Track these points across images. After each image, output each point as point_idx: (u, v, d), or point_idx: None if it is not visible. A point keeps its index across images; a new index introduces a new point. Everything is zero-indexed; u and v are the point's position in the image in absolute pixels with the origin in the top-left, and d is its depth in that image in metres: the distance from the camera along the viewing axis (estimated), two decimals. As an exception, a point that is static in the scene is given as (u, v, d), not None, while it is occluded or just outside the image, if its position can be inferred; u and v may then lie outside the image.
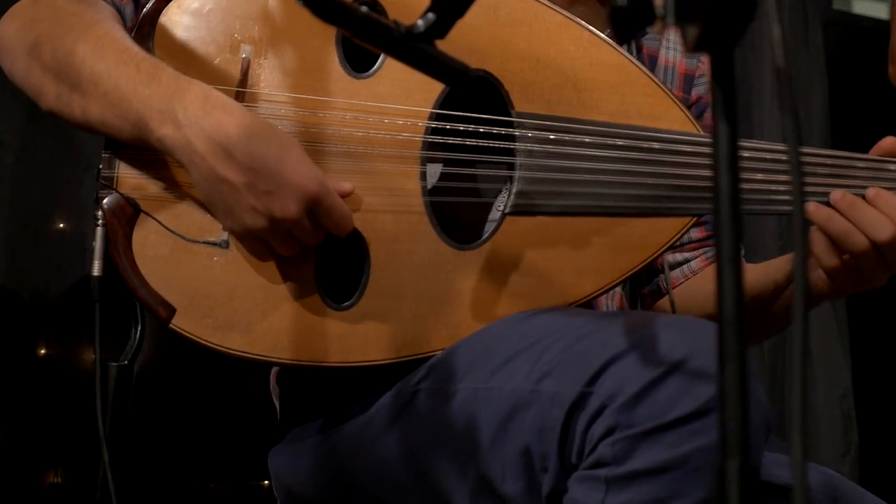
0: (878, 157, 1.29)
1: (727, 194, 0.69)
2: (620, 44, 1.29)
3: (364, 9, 0.92)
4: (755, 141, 1.28)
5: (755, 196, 1.26)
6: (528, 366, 1.12)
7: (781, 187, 1.26)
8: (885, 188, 1.25)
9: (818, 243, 1.25)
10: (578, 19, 1.29)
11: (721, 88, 0.73)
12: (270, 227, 1.12)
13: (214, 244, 1.17)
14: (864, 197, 1.25)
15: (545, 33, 1.27)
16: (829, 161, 1.26)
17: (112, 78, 1.13)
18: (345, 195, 1.17)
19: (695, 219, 1.28)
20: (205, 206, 1.16)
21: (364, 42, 0.95)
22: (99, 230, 1.16)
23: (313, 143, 1.19)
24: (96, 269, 1.17)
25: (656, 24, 0.77)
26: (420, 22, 0.94)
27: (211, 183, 1.12)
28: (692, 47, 0.74)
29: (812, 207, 1.25)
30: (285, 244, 1.15)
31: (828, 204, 1.25)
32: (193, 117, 1.10)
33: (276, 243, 1.15)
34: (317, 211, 1.13)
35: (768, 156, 1.27)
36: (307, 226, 1.13)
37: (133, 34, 1.18)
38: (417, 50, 0.97)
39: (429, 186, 1.24)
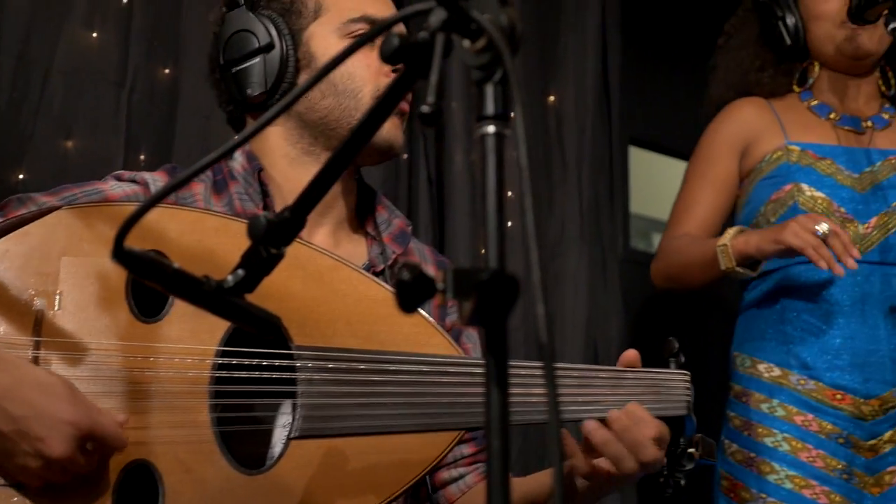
0: (618, 368, 1.47)
1: (498, 455, 0.83)
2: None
3: (176, 265, 1.02)
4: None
5: (514, 408, 1.42)
6: None
7: (537, 399, 1.43)
8: (624, 394, 1.43)
9: (579, 459, 1.43)
10: (347, 261, 1.45)
11: (494, 358, 0.85)
12: (46, 467, 1.22)
13: (10, 486, 1.24)
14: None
15: (318, 275, 1.42)
16: (576, 374, 1.44)
17: None
18: (120, 424, 1.28)
19: (463, 433, 1.43)
20: None
21: (176, 295, 1.05)
22: None
23: (107, 386, 1.29)
24: None
25: (437, 297, 0.88)
26: (230, 278, 1.05)
27: None
28: (466, 321, 0.85)
29: (592, 427, 1.41)
30: (64, 477, 1.24)
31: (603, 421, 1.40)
32: None
33: (54, 478, 1.23)
34: (92, 440, 1.24)
35: (524, 371, 1.43)
36: (81, 460, 1.23)
37: None
38: (227, 302, 1.07)
39: (218, 415, 1.34)
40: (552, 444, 0.85)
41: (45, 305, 1.30)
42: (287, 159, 1.61)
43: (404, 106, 1.63)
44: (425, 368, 1.40)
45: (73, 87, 2.39)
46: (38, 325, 1.29)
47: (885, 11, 2.16)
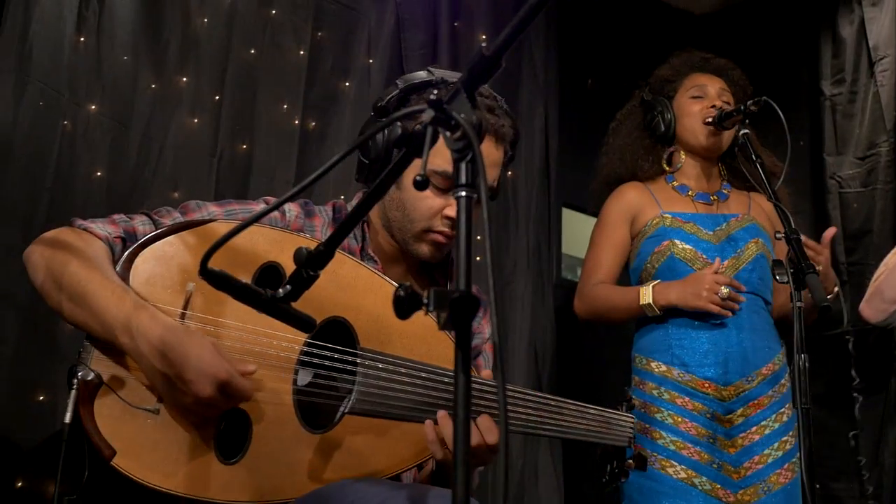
0: (582, 404, 1.97)
1: (462, 422, 1.11)
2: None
3: (243, 280, 1.44)
4: (478, 379, 1.90)
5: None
6: None
7: (521, 414, 1.93)
8: (587, 424, 1.93)
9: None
10: (406, 292, 1.96)
11: (461, 351, 1.12)
12: (194, 402, 1.66)
13: (149, 410, 1.70)
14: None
15: (385, 298, 1.91)
16: (552, 403, 1.93)
17: (95, 298, 1.68)
18: (248, 374, 1.69)
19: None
20: (146, 385, 1.70)
21: (243, 302, 1.45)
22: (73, 392, 1.67)
23: (226, 352, 1.75)
24: (68, 417, 1.66)
25: (422, 309, 1.12)
26: (281, 290, 1.48)
27: (153, 374, 1.67)
28: (443, 326, 1.11)
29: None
30: (206, 410, 1.69)
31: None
32: (143, 330, 1.65)
33: (199, 410, 1.68)
34: (226, 389, 1.66)
35: (482, 388, 1.88)
36: (220, 399, 1.66)
37: (120, 264, 1.75)
38: (278, 307, 1.48)
39: (298, 387, 1.81)
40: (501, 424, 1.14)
41: (193, 288, 1.76)
42: (378, 222, 2.13)
43: (440, 238, 2.04)
44: (446, 380, 1.87)
45: (179, 156, 3.19)
46: (187, 302, 1.76)
47: (738, 122, 3.05)
